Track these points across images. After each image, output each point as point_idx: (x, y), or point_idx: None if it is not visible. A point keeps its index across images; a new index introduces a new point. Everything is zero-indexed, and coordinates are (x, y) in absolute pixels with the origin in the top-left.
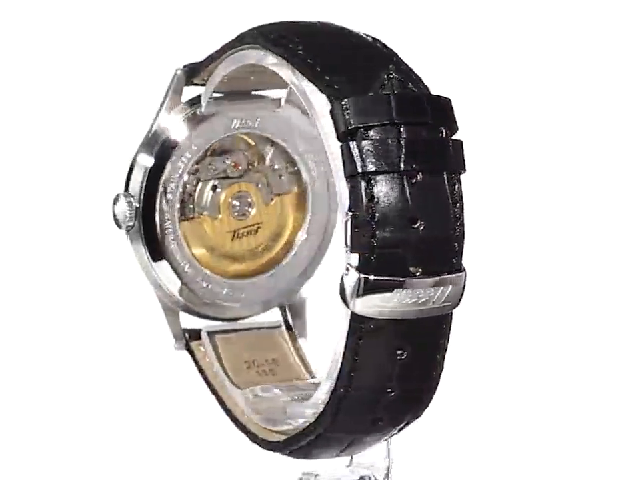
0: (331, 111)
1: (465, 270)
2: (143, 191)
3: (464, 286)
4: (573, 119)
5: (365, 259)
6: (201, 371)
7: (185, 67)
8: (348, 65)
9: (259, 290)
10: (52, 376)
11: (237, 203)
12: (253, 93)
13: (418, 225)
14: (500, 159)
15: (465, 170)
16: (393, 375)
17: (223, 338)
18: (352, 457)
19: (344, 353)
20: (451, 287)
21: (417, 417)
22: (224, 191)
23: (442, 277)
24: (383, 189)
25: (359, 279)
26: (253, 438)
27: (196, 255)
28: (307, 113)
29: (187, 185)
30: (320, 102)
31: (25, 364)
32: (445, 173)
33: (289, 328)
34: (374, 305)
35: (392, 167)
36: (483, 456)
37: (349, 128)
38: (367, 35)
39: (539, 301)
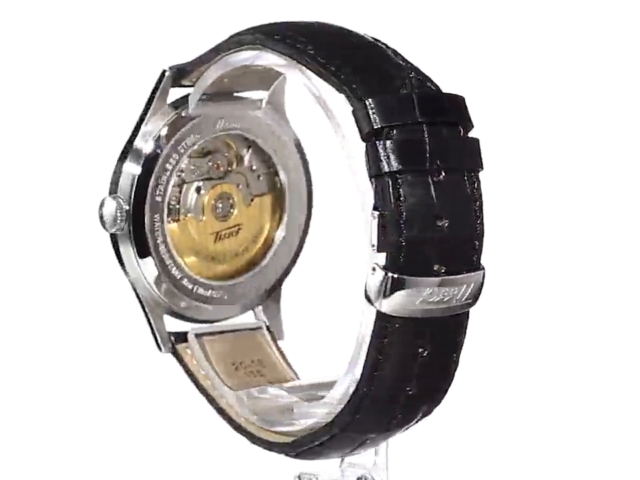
0: (354, 111)
1: (484, 268)
2: (132, 196)
3: (483, 284)
4: (573, 118)
5: (392, 258)
6: (189, 373)
7: (172, 68)
8: (360, 64)
9: (240, 291)
10: (40, 377)
11: (220, 205)
12: (235, 94)
13: (442, 223)
14: (499, 158)
15: (482, 168)
16: (413, 374)
17: (209, 340)
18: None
19: (368, 353)
20: (472, 285)
21: (427, 415)
22: (207, 192)
23: (465, 275)
24: (410, 188)
25: (387, 278)
26: (251, 438)
27: (182, 257)
28: (284, 114)
29: (174, 187)
30: (337, 102)
31: (12, 366)
32: (465, 171)
33: (269, 329)
34: (401, 304)
35: (418, 166)
36: (479, 455)
37: (375, 128)
38: (365, 35)
39: (539, 302)
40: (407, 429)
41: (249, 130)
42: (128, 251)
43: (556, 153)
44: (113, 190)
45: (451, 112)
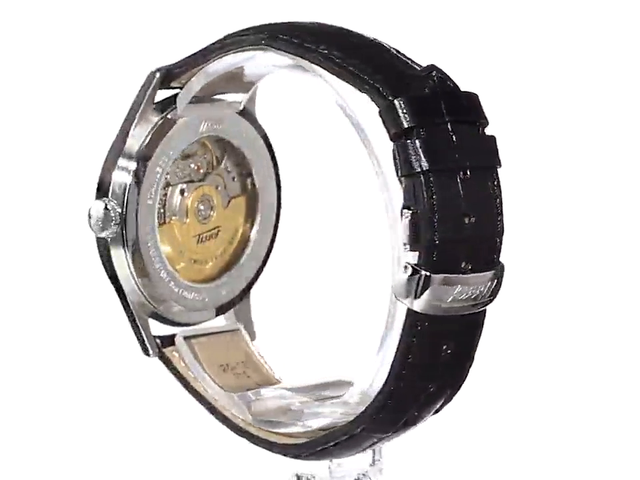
0: (381, 111)
1: (503, 265)
2: (125, 200)
3: (502, 280)
4: (574, 116)
5: (425, 256)
6: (178, 376)
7: (161, 69)
8: (378, 63)
9: (220, 293)
10: (25, 381)
11: (202, 207)
12: (213, 97)
13: (469, 221)
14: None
15: (500, 165)
16: (437, 373)
17: (197, 342)
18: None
19: (397, 352)
20: (495, 281)
21: (436, 413)
22: (190, 194)
23: (489, 272)
24: (441, 186)
25: (420, 276)
26: (250, 438)
27: (170, 260)
28: (255, 117)
29: (161, 190)
30: (358, 101)
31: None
32: (487, 168)
33: (246, 330)
34: (432, 302)
35: (447, 164)
36: (475, 455)
37: (404, 128)
38: (364, 34)
39: (541, 301)
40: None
41: (228, 132)
42: (120, 255)
43: (556, 152)
44: (104, 194)
45: (471, 110)
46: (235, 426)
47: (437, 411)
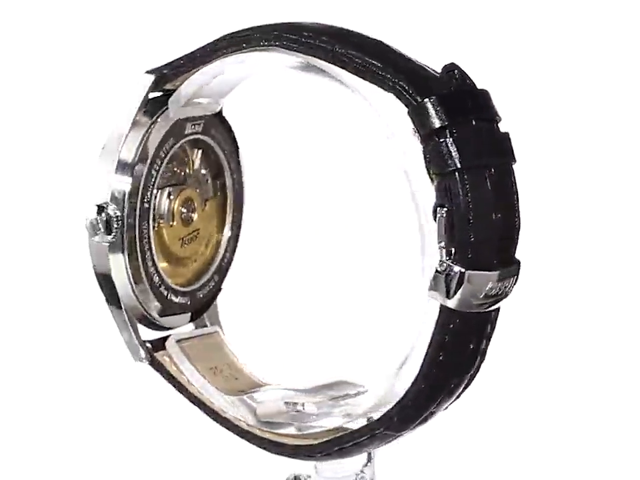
0: (412, 111)
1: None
2: (125, 204)
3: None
4: (573, 115)
5: (460, 254)
6: (172, 380)
7: (154, 72)
8: (397, 62)
9: (199, 296)
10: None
11: (185, 210)
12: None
13: (497, 217)
14: None
15: (515, 161)
16: (461, 369)
17: (187, 345)
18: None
19: (428, 351)
20: (515, 277)
21: (444, 411)
22: (176, 197)
23: (513, 267)
24: (474, 184)
25: (456, 273)
26: (253, 439)
27: (159, 263)
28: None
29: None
30: (385, 101)
31: None
32: (506, 164)
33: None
34: (466, 300)
35: (478, 162)
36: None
37: (435, 127)
38: (364, 34)
39: (541, 302)
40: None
41: (207, 133)
42: (118, 260)
43: (556, 151)
44: (104, 199)
45: (489, 107)
46: (235, 428)
47: (445, 409)
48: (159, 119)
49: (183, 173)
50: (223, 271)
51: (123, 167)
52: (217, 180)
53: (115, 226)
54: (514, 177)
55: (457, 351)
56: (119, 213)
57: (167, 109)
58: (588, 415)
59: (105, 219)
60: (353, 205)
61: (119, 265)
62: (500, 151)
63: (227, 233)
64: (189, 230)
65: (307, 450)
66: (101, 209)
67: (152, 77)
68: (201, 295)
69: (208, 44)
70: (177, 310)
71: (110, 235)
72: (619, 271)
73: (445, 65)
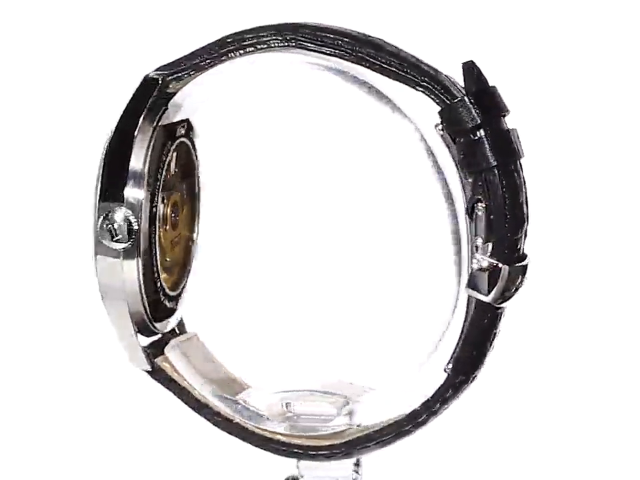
0: (446, 110)
1: None
2: (140, 213)
3: None
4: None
5: (498, 249)
6: (173, 383)
7: (160, 75)
8: (414, 63)
9: (183, 299)
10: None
11: (173, 214)
12: None
13: (523, 212)
14: None
15: (523, 155)
16: (482, 362)
17: (185, 349)
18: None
19: (479, 345)
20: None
21: None
22: (168, 202)
23: (526, 261)
24: (508, 179)
25: (496, 269)
26: (262, 442)
27: (160, 267)
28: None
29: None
30: (413, 100)
31: None
32: (520, 159)
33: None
34: (502, 293)
35: (512, 157)
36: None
37: (471, 125)
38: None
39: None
40: None
41: (187, 135)
42: (131, 266)
43: (556, 151)
44: (118, 205)
45: (505, 104)
46: (242, 429)
47: None
48: (159, 123)
49: (169, 177)
50: (191, 273)
51: (134, 173)
52: (189, 182)
53: (133, 233)
54: (522, 171)
55: (487, 345)
56: (134, 220)
57: (165, 110)
58: (588, 414)
59: (125, 224)
60: (380, 204)
61: (131, 271)
62: (520, 146)
63: (196, 235)
64: (175, 234)
65: (328, 450)
66: (115, 214)
67: (154, 81)
68: (182, 299)
69: (210, 44)
70: (167, 314)
71: (126, 243)
72: (619, 271)
73: (465, 62)
